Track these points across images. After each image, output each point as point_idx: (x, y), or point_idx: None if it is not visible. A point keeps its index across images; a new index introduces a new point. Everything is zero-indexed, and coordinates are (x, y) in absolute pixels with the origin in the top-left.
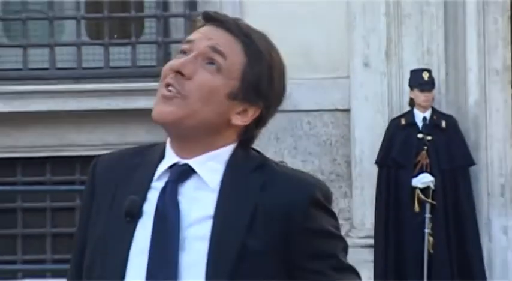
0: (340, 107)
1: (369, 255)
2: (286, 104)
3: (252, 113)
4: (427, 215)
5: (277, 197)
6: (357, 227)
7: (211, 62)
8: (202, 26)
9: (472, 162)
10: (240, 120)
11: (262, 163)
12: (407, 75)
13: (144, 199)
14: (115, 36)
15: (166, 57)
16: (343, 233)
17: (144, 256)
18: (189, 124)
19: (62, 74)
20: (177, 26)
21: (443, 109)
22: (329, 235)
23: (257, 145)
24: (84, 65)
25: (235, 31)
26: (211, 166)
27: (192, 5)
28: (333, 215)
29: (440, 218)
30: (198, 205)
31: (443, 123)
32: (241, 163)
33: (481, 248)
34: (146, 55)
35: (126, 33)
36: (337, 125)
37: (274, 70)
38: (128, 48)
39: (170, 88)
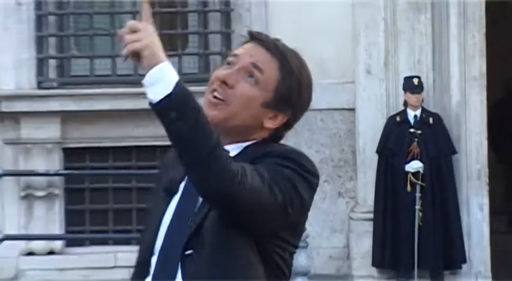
0: (346, 107)
1: (369, 227)
2: (313, 106)
3: (281, 119)
4: (417, 194)
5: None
6: (360, 204)
7: (251, 75)
8: (247, 42)
9: (454, 151)
10: (270, 124)
11: (272, 149)
12: (402, 81)
13: (183, 178)
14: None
15: (206, 66)
16: (349, 210)
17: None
18: (230, 124)
19: (121, 79)
20: (214, 40)
21: (431, 108)
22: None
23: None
24: (140, 72)
25: (273, 50)
26: (233, 150)
27: (227, 24)
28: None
29: (428, 197)
30: None
31: (431, 120)
32: (257, 148)
33: (461, 221)
34: (190, 64)
35: (174, 46)
36: (344, 122)
37: (302, 85)
38: (175, 59)
39: (215, 94)
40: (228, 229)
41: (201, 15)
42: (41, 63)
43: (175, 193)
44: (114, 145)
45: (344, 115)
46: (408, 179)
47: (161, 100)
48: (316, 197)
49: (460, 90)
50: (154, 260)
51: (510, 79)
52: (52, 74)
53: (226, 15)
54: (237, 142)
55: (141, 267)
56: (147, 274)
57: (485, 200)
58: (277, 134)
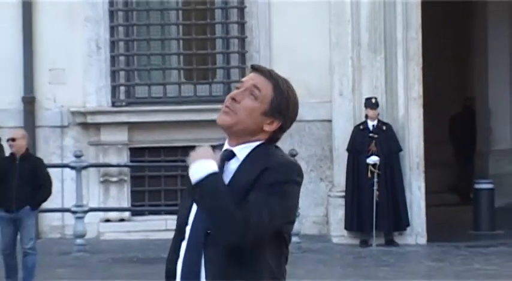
0: (326, 119)
1: (342, 202)
2: (299, 118)
3: (276, 124)
4: (375, 180)
5: (259, 167)
6: (335, 186)
7: (252, 93)
8: (251, 72)
9: (400, 149)
10: (268, 128)
11: (273, 152)
12: (364, 101)
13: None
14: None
15: (228, 90)
16: (328, 190)
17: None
18: (237, 128)
19: (170, 100)
20: (234, 73)
21: (384, 119)
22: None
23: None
24: (183, 94)
25: (268, 76)
26: (243, 149)
27: (243, 61)
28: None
29: (382, 181)
30: (227, 172)
31: (384, 127)
32: (261, 150)
33: (405, 198)
34: (217, 89)
35: (206, 77)
36: (324, 129)
37: (290, 100)
38: (207, 86)
39: (227, 104)
40: None
41: (225, 55)
42: (114, 89)
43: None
44: (165, 145)
45: (324, 125)
46: (368, 169)
47: (195, 184)
48: (305, 181)
49: (404, 107)
50: (188, 229)
51: (467, 98)
52: (122, 96)
53: (242, 55)
54: (245, 142)
55: (179, 232)
56: (183, 237)
57: (422, 184)
58: (275, 136)
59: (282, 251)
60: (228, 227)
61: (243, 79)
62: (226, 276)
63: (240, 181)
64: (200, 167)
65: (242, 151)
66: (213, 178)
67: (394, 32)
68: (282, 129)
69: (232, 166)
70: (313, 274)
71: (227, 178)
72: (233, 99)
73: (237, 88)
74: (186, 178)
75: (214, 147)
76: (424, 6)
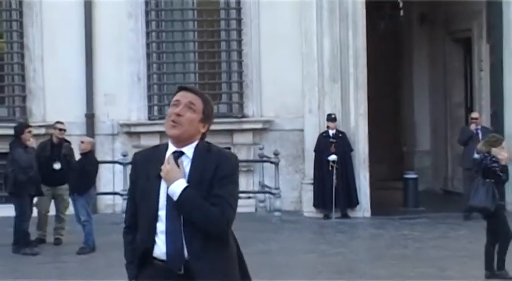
0: (299, 129)
1: (310, 188)
2: (280, 128)
3: (207, 127)
4: (334, 171)
5: (214, 163)
6: (306, 176)
7: (190, 107)
8: (179, 91)
9: (352, 150)
10: (203, 130)
11: (210, 147)
12: (326, 116)
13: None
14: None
15: (230, 109)
16: (301, 179)
17: (164, 194)
18: (183, 136)
19: None
20: (235, 96)
21: (340, 129)
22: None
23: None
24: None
25: (196, 93)
26: (189, 149)
27: (240, 87)
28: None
29: (339, 173)
30: (181, 167)
31: (340, 135)
32: (201, 147)
33: (356, 184)
34: (222, 108)
35: (214, 98)
36: (298, 136)
37: (212, 109)
38: (215, 106)
39: (174, 119)
40: None
41: (228, 83)
42: (149, 108)
43: (161, 177)
44: None
45: (298, 133)
46: (329, 164)
47: (176, 201)
48: (283, 172)
49: (354, 120)
50: (163, 214)
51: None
52: (155, 113)
53: (240, 84)
54: (188, 144)
55: (152, 217)
56: (156, 221)
57: (367, 174)
58: (205, 135)
59: None
60: (210, 223)
61: (178, 98)
62: (205, 249)
63: (198, 174)
64: (176, 188)
65: (189, 150)
66: (186, 193)
67: (347, 67)
68: (208, 129)
69: (185, 162)
70: (290, 238)
71: (185, 171)
72: (178, 115)
73: (175, 105)
74: (132, 167)
75: (157, 146)
76: (369, 49)
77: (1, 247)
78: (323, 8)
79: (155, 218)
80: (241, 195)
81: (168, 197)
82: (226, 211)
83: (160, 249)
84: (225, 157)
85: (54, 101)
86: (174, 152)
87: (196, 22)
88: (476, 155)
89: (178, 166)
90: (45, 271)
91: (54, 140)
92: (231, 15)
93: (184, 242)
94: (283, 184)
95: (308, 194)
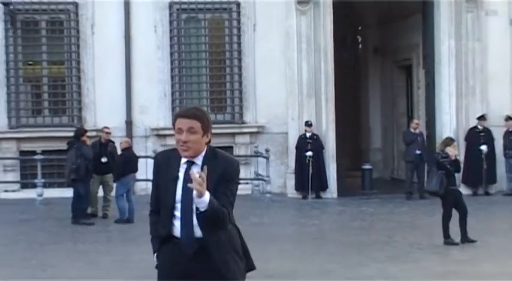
0: (284, 132)
1: (293, 176)
2: (270, 131)
3: (209, 136)
4: (310, 164)
5: (222, 167)
6: (289, 167)
7: (191, 131)
8: (177, 118)
9: (323, 148)
10: (207, 140)
11: (216, 153)
12: (304, 123)
13: (178, 172)
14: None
15: (233, 118)
16: (285, 169)
17: (180, 190)
18: (195, 153)
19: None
20: (237, 108)
21: (315, 132)
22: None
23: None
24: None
25: (192, 117)
26: (199, 158)
27: (240, 100)
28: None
29: (314, 165)
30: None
31: (315, 136)
32: (209, 154)
33: (326, 173)
34: (227, 117)
35: (222, 110)
36: (283, 137)
37: (208, 119)
38: (222, 115)
39: (183, 146)
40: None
41: (232, 98)
42: (173, 117)
43: (178, 179)
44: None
45: (284, 135)
46: (307, 158)
47: (205, 211)
48: (273, 164)
49: (325, 126)
50: (179, 206)
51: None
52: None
53: (241, 99)
54: (198, 155)
55: (170, 208)
56: (174, 211)
57: (334, 165)
58: (209, 142)
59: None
60: (222, 221)
61: (179, 126)
62: (214, 230)
63: (207, 177)
64: (205, 199)
65: (198, 159)
66: (211, 205)
67: (320, 87)
68: (210, 137)
69: (195, 169)
70: (278, 213)
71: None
72: (185, 142)
73: (178, 133)
74: (155, 167)
75: (175, 149)
76: (336, 73)
77: (63, 220)
78: (302, 43)
79: (173, 207)
80: (241, 181)
81: (184, 192)
82: (229, 209)
83: (177, 230)
84: (230, 162)
85: (102, 111)
86: (187, 162)
87: (208, 53)
88: (417, 151)
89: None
90: (97, 237)
91: (102, 140)
92: (233, 47)
93: (195, 226)
94: (272, 173)
95: (291, 181)
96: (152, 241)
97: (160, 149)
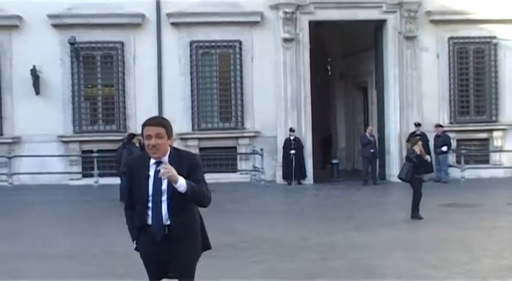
0: (274, 136)
1: (280, 168)
2: (264, 135)
3: (172, 139)
4: (293, 159)
5: (186, 162)
6: (278, 162)
7: (158, 136)
8: (145, 126)
9: (303, 147)
10: (170, 143)
11: (179, 152)
12: (289, 129)
13: (149, 172)
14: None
15: (236, 125)
16: (275, 163)
17: (151, 187)
18: (162, 155)
19: (214, 128)
20: (240, 117)
21: (297, 136)
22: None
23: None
24: (219, 126)
25: (156, 124)
26: (165, 158)
27: (242, 111)
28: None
29: (296, 160)
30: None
31: (297, 140)
32: (173, 153)
33: (305, 166)
34: (232, 125)
35: (228, 120)
36: (274, 140)
37: (170, 126)
38: (228, 124)
39: (153, 149)
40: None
41: (236, 110)
42: (193, 125)
43: (149, 178)
44: (213, 145)
45: (273, 138)
46: (291, 155)
47: (185, 192)
48: (267, 160)
49: (304, 131)
50: (151, 199)
51: (327, 128)
52: (195, 127)
53: (242, 108)
54: (164, 155)
55: (145, 201)
56: (148, 207)
57: (311, 160)
58: (172, 143)
59: None
60: (205, 198)
61: (149, 133)
62: (181, 217)
63: (177, 170)
64: (182, 182)
65: (164, 159)
66: (189, 185)
67: (300, 102)
68: (173, 140)
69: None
70: (270, 196)
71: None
72: (154, 146)
73: (148, 139)
74: (126, 168)
75: (142, 154)
76: (312, 93)
77: (113, 200)
78: (287, 70)
79: (147, 201)
80: (242, 171)
81: (154, 188)
82: (207, 189)
83: (150, 219)
84: (191, 156)
85: (140, 120)
86: (156, 162)
87: (217, 78)
88: (371, 150)
89: None
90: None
91: (141, 142)
92: (237, 73)
93: (164, 215)
94: (265, 166)
95: (279, 172)
96: (130, 231)
97: (184, 148)
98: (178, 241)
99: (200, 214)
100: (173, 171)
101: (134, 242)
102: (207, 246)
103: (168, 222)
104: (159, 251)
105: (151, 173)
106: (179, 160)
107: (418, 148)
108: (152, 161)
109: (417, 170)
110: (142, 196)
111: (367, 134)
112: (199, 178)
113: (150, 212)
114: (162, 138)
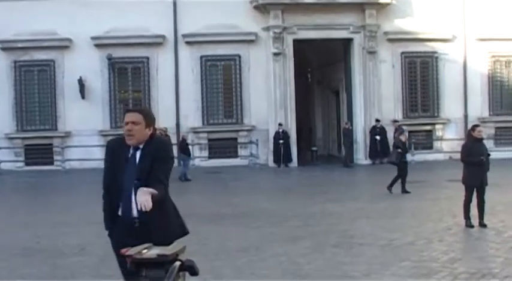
0: (266, 129)
1: (271, 154)
2: (258, 129)
3: (151, 129)
4: (282, 147)
5: (155, 148)
6: (270, 150)
7: (134, 122)
8: (127, 112)
9: (289, 137)
10: (149, 132)
11: (154, 138)
12: (278, 124)
13: (128, 156)
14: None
15: (237, 121)
16: (267, 151)
17: (127, 176)
18: (138, 141)
19: (220, 123)
20: (240, 116)
21: (284, 129)
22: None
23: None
24: (224, 121)
25: (136, 110)
26: (141, 145)
27: (241, 110)
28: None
29: (284, 148)
30: (138, 155)
31: (284, 132)
32: (149, 140)
33: (291, 153)
34: (233, 121)
35: (231, 116)
36: (266, 132)
37: (151, 115)
38: (231, 119)
39: (128, 133)
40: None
41: (237, 110)
42: (203, 121)
43: (127, 160)
44: (220, 137)
45: (266, 131)
46: (279, 144)
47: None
48: (261, 147)
49: (290, 125)
50: (126, 184)
51: (306, 124)
52: (205, 123)
53: (241, 108)
54: (141, 142)
55: (119, 191)
56: (120, 196)
57: (295, 148)
58: (152, 134)
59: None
60: (163, 195)
61: (127, 120)
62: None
63: (146, 157)
64: (149, 192)
65: (141, 146)
66: (155, 194)
67: (287, 103)
68: (154, 129)
69: (137, 153)
70: (263, 176)
71: (138, 158)
72: (129, 130)
73: (126, 124)
74: (107, 150)
75: (122, 138)
76: (296, 95)
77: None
78: (276, 78)
79: (121, 190)
80: (242, 157)
81: (128, 179)
82: (165, 182)
83: (120, 211)
84: (162, 142)
85: (162, 118)
86: (134, 148)
87: (222, 84)
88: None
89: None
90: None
91: (162, 134)
92: (237, 80)
93: (133, 206)
94: (260, 152)
95: (270, 157)
96: (104, 220)
97: (195, 141)
98: (149, 233)
99: (173, 202)
100: (149, 200)
101: (107, 232)
102: (184, 232)
103: (137, 215)
104: (131, 242)
105: (131, 155)
106: (150, 145)
107: (404, 138)
108: (131, 147)
109: (403, 155)
110: (117, 184)
111: (347, 127)
112: (162, 166)
113: (121, 204)
114: (138, 124)
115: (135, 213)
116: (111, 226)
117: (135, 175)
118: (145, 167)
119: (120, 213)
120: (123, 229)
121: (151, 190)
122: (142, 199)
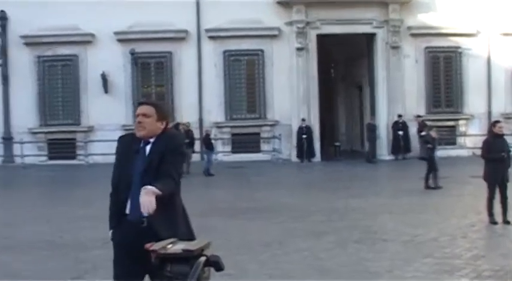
0: (289, 124)
1: (295, 149)
2: (282, 124)
3: (164, 123)
4: (305, 142)
5: (166, 142)
6: (293, 144)
7: (145, 115)
8: (139, 105)
9: (312, 133)
10: (161, 126)
11: (166, 132)
12: (301, 119)
13: (138, 149)
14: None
15: (260, 116)
16: (290, 146)
17: (135, 173)
18: (148, 135)
19: (243, 118)
20: (262, 111)
21: (307, 124)
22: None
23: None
24: (247, 116)
25: (150, 104)
26: (152, 138)
27: (265, 105)
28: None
29: (307, 143)
30: (148, 148)
31: (307, 127)
32: (161, 134)
33: (314, 147)
34: (257, 115)
35: (254, 111)
36: (289, 127)
37: (164, 111)
38: (253, 114)
39: (140, 126)
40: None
41: (261, 105)
42: (226, 116)
43: (138, 153)
44: (242, 132)
45: (288, 126)
46: (303, 139)
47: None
48: (284, 142)
49: (313, 121)
50: (135, 179)
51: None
52: (228, 117)
53: (265, 105)
54: (153, 136)
55: (127, 188)
56: (130, 189)
57: (318, 143)
58: (165, 128)
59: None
60: (171, 190)
61: (138, 112)
62: (159, 210)
63: (156, 151)
64: (152, 192)
65: (152, 139)
66: (161, 188)
67: (310, 99)
68: (167, 125)
69: (148, 146)
70: (287, 170)
71: (148, 151)
72: (140, 122)
73: (137, 115)
74: (119, 145)
75: (133, 133)
76: (320, 91)
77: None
78: (299, 73)
79: (129, 188)
80: (265, 152)
81: (136, 172)
82: (176, 178)
83: (128, 207)
84: (174, 136)
85: (185, 112)
86: (145, 141)
87: (245, 79)
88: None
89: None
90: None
91: (185, 129)
92: (260, 75)
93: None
94: (283, 147)
95: (294, 152)
96: (110, 219)
97: (219, 135)
98: (156, 235)
99: (183, 204)
100: (152, 202)
101: (110, 232)
102: (190, 237)
103: (146, 213)
104: (137, 243)
105: (141, 148)
106: (161, 139)
107: (434, 133)
108: (142, 141)
109: (433, 150)
110: (126, 181)
111: (371, 122)
112: (172, 160)
113: (128, 203)
114: (149, 117)
115: (144, 213)
116: (116, 225)
117: (143, 167)
118: (153, 159)
119: (128, 211)
120: (129, 229)
121: (155, 189)
122: (146, 199)
